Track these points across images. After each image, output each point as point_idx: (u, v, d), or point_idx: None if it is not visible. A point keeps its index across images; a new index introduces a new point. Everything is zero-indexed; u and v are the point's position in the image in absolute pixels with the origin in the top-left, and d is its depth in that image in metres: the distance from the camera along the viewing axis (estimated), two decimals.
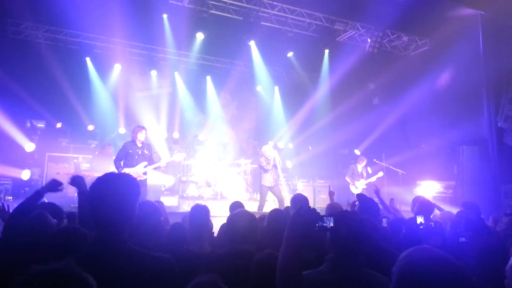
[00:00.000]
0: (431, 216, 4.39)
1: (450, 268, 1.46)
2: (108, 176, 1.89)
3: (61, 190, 3.39)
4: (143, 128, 7.56)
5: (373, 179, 9.93)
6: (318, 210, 1.92)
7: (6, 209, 3.69)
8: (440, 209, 5.33)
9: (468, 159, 10.28)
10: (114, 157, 7.69)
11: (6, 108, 9.61)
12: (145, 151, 7.43)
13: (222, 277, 2.26)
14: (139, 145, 7.40)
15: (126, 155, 7.32)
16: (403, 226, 3.50)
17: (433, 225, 3.27)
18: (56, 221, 2.54)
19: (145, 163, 7.34)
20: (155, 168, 7.60)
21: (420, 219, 3.39)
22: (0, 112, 9.26)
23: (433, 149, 11.02)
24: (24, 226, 2.50)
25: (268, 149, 8.92)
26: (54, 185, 3.37)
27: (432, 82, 11.54)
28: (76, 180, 3.24)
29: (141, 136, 7.40)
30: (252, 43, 11.95)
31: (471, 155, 10.31)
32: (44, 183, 6.34)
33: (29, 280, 1.04)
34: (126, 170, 7.04)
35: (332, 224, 1.87)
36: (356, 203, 4.04)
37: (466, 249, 2.64)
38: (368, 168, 10.30)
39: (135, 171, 7.12)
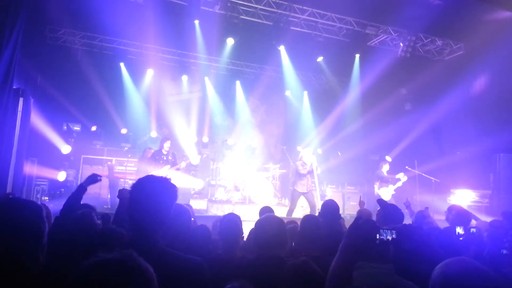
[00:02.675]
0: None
1: (487, 281, 1.42)
2: (148, 178, 1.95)
3: (100, 180, 3.74)
4: (168, 139, 9.63)
5: (399, 184, 9.73)
6: (348, 217, 1.88)
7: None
8: (476, 219, 5.14)
9: (505, 167, 9.92)
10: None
11: (44, 112, 9.98)
12: (169, 157, 9.41)
13: (252, 282, 2.27)
14: (164, 152, 9.35)
15: (154, 161, 9.20)
16: (439, 236, 3.37)
17: (475, 231, 3.09)
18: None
19: (168, 166, 9.24)
20: (177, 169, 9.41)
21: (459, 230, 3.20)
22: (38, 116, 9.61)
23: (468, 157, 10.68)
24: (71, 223, 2.59)
25: (306, 154, 8.90)
26: (94, 178, 3.70)
27: (467, 88, 11.18)
28: (123, 193, 3.59)
29: (166, 146, 9.37)
30: (281, 48, 11.95)
31: (508, 163, 9.94)
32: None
33: (93, 267, 1.05)
34: (154, 172, 8.11)
35: (390, 237, 1.80)
36: (378, 208, 3.84)
37: (506, 261, 2.53)
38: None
39: (160, 173, 8.03)
